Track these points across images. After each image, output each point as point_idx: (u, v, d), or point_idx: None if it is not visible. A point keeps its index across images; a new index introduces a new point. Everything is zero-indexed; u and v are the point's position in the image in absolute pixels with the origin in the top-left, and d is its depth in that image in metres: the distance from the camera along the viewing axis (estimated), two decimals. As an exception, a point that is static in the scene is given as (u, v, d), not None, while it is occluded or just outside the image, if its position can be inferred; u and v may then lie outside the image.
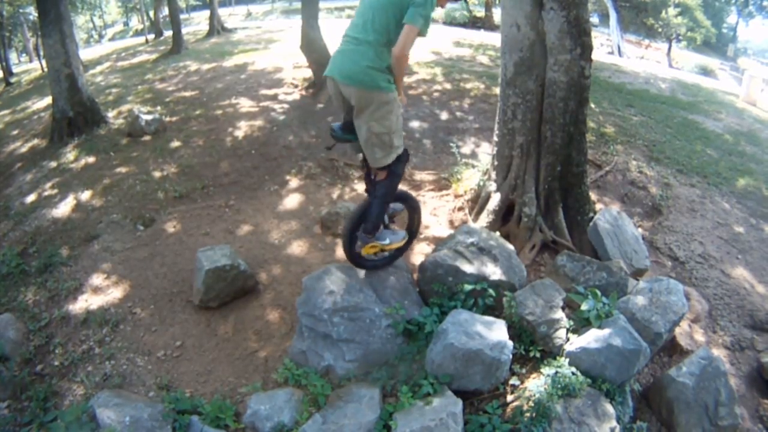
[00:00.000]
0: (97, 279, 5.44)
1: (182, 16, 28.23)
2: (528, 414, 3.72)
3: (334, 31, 17.32)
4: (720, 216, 7.39)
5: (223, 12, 34.32)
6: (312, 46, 10.77)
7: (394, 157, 3.95)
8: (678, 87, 15.88)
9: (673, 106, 12.71)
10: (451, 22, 32.39)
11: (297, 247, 5.81)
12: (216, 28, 24.35)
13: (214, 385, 4.24)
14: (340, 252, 5.64)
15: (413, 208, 4.61)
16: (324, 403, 3.80)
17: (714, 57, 37.86)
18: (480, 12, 33.77)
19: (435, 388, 3.79)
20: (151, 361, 4.48)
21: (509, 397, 3.98)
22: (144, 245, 5.92)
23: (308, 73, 11.49)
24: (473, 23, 31.52)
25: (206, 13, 28.62)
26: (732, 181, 8.58)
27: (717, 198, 7.89)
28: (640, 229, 6.44)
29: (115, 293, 5.22)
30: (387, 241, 4.32)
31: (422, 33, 3.60)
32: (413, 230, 4.75)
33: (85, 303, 5.13)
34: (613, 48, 29.99)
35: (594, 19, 36.25)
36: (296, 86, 11.26)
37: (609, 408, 3.86)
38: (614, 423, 3.78)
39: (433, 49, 15.83)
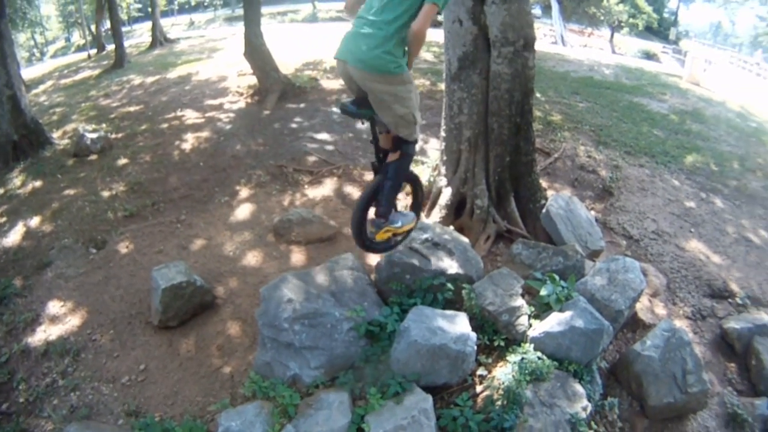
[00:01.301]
0: (53, 308, 5.28)
1: (124, 29, 27.63)
2: (499, 402, 3.76)
3: (277, 37, 17.24)
4: (670, 193, 7.59)
5: (165, 22, 33.80)
6: (255, 53, 10.72)
7: (418, 131, 3.90)
8: (622, 72, 16.28)
9: (617, 90, 13.04)
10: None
11: (252, 258, 5.77)
12: (158, 39, 23.96)
13: (183, 406, 4.16)
14: (295, 259, 5.65)
15: (413, 179, 4.49)
16: (294, 413, 3.74)
17: (656, 41, 38.87)
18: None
19: (403, 386, 3.79)
20: (116, 388, 4.37)
21: (478, 388, 4.02)
22: (98, 268, 5.78)
23: (253, 80, 11.40)
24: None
25: (148, 24, 28.13)
26: (680, 159, 8.84)
27: (666, 176, 8.11)
28: (592, 212, 6.59)
29: (73, 321, 5.08)
30: (399, 224, 4.22)
31: (440, 10, 3.56)
32: (419, 202, 4.65)
33: (43, 334, 4.98)
34: (556, 38, 30.52)
35: (536, 11, 36.77)
36: (241, 94, 11.19)
37: (578, 388, 3.94)
38: (585, 402, 3.86)
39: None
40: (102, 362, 4.62)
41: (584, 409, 3.81)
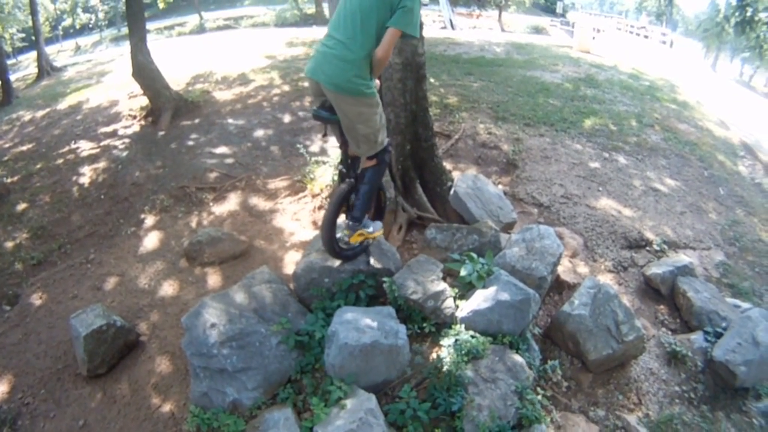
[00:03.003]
0: (-21, 378, 5.10)
1: (9, 62, 26.23)
2: (442, 387, 3.90)
3: (165, 52, 16.96)
4: (573, 157, 8.06)
5: (51, 49, 32.53)
6: (143, 72, 10.54)
7: (379, 149, 4.19)
8: (513, 49, 17.05)
9: (510, 66, 13.67)
10: (282, 23, 32.79)
11: (168, 287, 5.72)
12: (45, 69, 22.88)
13: (130, 455, 4.11)
14: (212, 281, 5.66)
15: (380, 187, 4.78)
16: (243, 439, 3.79)
17: (544, 16, 40.68)
18: (310, 8, 34.37)
19: (344, 390, 3.84)
20: (60, 452, 4.27)
21: (419, 377, 4.13)
22: (15, 326, 5.58)
23: (145, 101, 11.18)
24: (304, 21, 32.05)
25: (34, 54, 26.89)
26: (579, 124, 9.40)
27: (567, 141, 8.60)
28: (500, 186, 6.94)
29: (2, 388, 4.86)
30: (371, 229, 4.50)
31: (414, 35, 3.85)
32: (382, 208, 4.95)
33: (-25, 408, 4.79)
34: (445, 23, 31.31)
35: (423, -1, 37.71)
36: (134, 117, 10.97)
37: (517, 358, 4.15)
38: (527, 370, 4.08)
39: (266, 53, 16.02)
40: (40, 426, 4.45)
41: (527, 377, 4.02)
